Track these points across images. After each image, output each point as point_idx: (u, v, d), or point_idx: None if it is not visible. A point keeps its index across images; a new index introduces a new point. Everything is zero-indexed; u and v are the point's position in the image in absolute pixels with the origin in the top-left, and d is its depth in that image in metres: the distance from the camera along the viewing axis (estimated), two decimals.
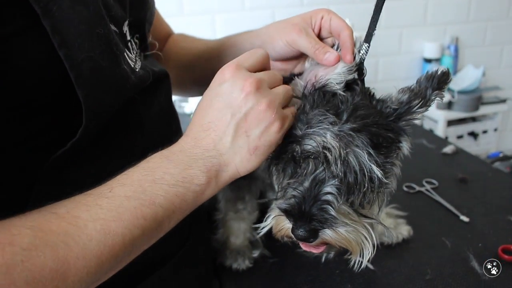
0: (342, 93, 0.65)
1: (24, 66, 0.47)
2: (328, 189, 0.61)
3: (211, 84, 0.59)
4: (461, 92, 2.76)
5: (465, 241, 0.92)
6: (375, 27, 0.71)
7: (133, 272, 0.67)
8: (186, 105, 2.12)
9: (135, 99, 0.62)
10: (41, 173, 0.52)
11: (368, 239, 0.63)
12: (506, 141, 3.22)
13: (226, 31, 1.05)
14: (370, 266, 0.85)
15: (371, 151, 0.59)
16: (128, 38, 0.64)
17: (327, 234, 0.60)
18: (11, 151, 0.51)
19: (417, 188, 1.16)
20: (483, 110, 2.86)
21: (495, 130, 2.96)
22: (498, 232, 0.95)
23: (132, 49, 0.65)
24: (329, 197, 0.61)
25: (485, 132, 2.93)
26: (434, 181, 1.18)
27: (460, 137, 2.86)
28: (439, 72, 0.64)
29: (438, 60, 2.80)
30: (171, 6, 2.29)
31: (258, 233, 0.69)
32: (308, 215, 0.60)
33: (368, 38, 0.72)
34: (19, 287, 0.39)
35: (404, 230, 0.93)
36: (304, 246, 0.65)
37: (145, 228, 0.50)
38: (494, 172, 1.26)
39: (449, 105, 2.77)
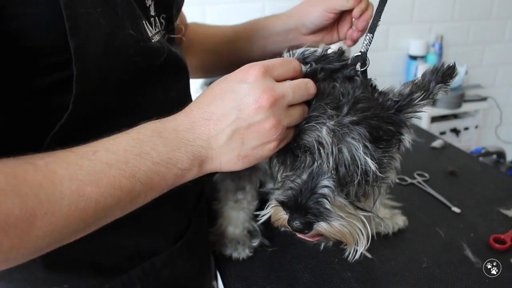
0: (337, 85, 0.65)
1: (28, 20, 0.47)
2: (325, 182, 0.61)
3: (233, 74, 0.58)
4: None
5: (457, 231, 0.95)
6: (380, 17, 0.72)
7: (127, 257, 0.68)
8: None
9: (153, 79, 0.62)
10: (43, 149, 0.51)
11: (363, 232, 0.64)
12: (486, 138, 3.31)
13: (217, 23, 1.06)
14: (368, 255, 0.87)
15: (368, 144, 0.59)
16: (152, 13, 0.64)
17: (322, 226, 0.61)
18: (16, 116, 0.51)
19: (409, 180, 1.18)
20: (465, 107, 2.93)
21: (476, 127, 3.04)
22: (488, 222, 0.98)
23: (155, 26, 0.64)
24: (325, 190, 0.61)
25: (466, 129, 3.01)
26: (425, 173, 1.21)
27: (443, 133, 2.93)
28: (444, 66, 0.65)
29: (423, 58, 2.85)
30: None
31: (258, 221, 0.70)
32: (303, 208, 0.61)
33: (372, 29, 0.73)
34: None
35: (399, 220, 0.96)
36: (300, 235, 0.66)
37: (119, 199, 0.49)
38: (481, 165, 1.30)
39: (433, 102, 2.82)
